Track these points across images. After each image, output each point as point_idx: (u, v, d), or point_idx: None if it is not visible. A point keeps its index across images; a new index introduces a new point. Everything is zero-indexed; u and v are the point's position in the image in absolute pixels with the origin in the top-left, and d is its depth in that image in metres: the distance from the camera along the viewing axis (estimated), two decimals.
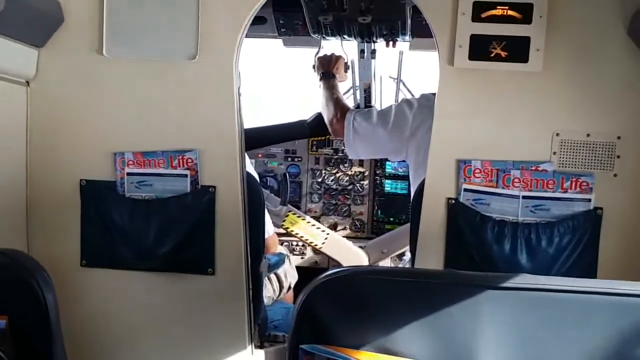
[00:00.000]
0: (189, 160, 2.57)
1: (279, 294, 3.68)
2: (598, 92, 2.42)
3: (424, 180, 2.57)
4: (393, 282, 1.50)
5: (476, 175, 2.48)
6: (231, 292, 2.66)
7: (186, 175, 2.58)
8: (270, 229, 3.54)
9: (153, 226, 2.57)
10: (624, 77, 2.40)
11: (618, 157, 2.43)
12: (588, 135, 2.44)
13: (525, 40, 2.39)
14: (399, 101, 3.47)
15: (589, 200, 2.44)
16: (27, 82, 2.60)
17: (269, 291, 3.53)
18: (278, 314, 3.48)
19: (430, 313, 1.45)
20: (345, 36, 3.41)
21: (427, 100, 3.26)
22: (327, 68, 3.81)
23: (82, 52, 2.58)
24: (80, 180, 2.63)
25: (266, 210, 3.12)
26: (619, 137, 2.43)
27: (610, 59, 2.40)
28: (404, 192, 4.60)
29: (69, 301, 2.58)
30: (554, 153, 2.45)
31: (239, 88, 2.59)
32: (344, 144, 3.57)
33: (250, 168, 3.03)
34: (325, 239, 4.44)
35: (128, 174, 2.60)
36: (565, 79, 2.42)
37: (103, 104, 2.60)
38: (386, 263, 4.48)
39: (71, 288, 2.66)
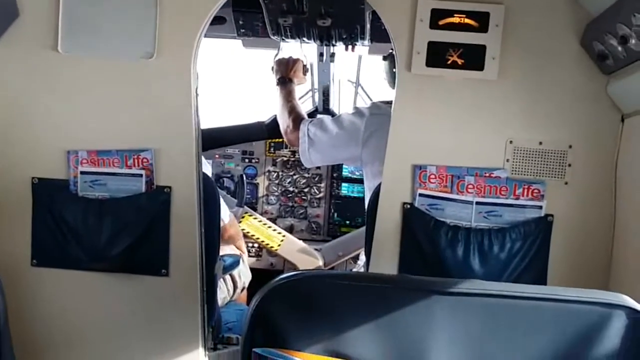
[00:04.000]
0: (144, 160, 2.54)
1: (233, 294, 3.67)
2: (551, 101, 2.47)
3: (379, 185, 2.59)
4: (346, 286, 1.51)
5: (431, 180, 2.51)
6: (185, 293, 2.64)
7: (141, 175, 2.55)
8: (225, 217, 3.50)
9: (106, 226, 2.54)
10: (576, 86, 2.46)
11: (569, 165, 2.49)
12: (540, 143, 2.49)
13: (482, 49, 2.43)
14: (351, 110, 3.49)
15: (540, 207, 2.48)
16: None
17: (222, 292, 3.52)
18: (232, 315, 3.47)
19: (382, 317, 1.46)
20: (305, 39, 3.41)
21: (378, 109, 3.29)
22: (285, 72, 3.79)
23: (37, 48, 2.52)
24: (32, 178, 2.58)
25: (222, 200, 3.10)
26: (570, 146, 2.48)
27: (563, 69, 2.46)
28: (360, 195, 4.61)
29: (18, 301, 2.53)
30: (507, 160, 2.49)
31: (196, 88, 2.58)
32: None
33: (206, 169, 3.01)
34: (282, 241, 4.43)
35: (82, 172, 2.55)
36: (520, 88, 2.47)
37: (57, 101, 2.55)
38: (340, 265, 4.49)
39: (21, 287, 2.60)
